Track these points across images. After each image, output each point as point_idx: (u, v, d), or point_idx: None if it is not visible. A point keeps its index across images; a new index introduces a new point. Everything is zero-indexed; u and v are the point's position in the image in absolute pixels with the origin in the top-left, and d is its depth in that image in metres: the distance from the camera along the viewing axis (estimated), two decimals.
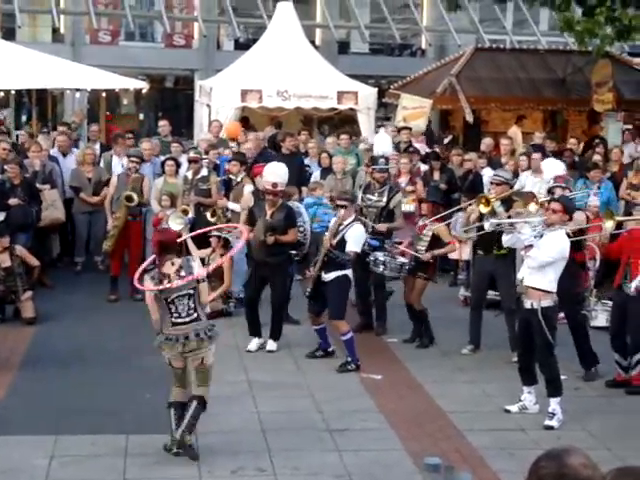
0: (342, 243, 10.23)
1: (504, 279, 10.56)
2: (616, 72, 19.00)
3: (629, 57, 20.98)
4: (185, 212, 12.75)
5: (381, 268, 10.94)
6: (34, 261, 11.98)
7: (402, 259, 10.98)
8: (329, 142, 15.90)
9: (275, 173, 10.76)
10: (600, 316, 11.50)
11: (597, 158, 14.69)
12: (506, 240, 9.25)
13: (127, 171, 13.25)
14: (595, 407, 9.26)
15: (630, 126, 19.08)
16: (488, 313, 11.37)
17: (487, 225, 9.65)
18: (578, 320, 10.16)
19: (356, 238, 10.29)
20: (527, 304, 8.75)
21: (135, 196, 12.80)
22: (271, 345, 10.81)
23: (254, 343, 10.86)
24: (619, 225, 10.06)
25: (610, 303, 10.84)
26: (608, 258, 10.34)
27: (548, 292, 8.65)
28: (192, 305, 7.76)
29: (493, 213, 10.34)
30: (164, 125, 16.16)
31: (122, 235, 12.91)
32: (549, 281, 8.66)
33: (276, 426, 8.49)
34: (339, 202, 10.49)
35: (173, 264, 7.67)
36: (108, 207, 13.30)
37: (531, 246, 8.69)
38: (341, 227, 10.30)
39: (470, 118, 18.28)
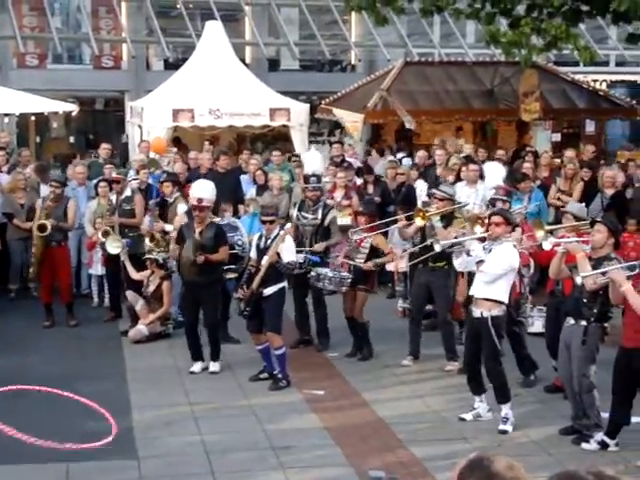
0: (277, 255, 10.22)
1: (440, 291, 10.69)
2: (542, 81, 19.33)
3: (555, 66, 21.36)
4: (106, 233, 12.64)
5: (325, 283, 10.98)
6: None
7: (344, 272, 11.04)
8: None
9: (201, 188, 10.71)
10: (536, 322, 11.65)
11: (527, 166, 14.89)
12: (458, 264, 9.36)
13: (49, 195, 13.03)
14: (534, 413, 9.38)
15: None
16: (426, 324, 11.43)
17: (437, 247, 9.73)
18: (514, 327, 10.28)
19: (289, 247, 10.31)
20: (476, 313, 8.88)
21: (48, 224, 12.59)
22: (214, 366, 10.73)
23: (197, 366, 10.76)
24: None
25: (545, 309, 10.99)
26: (542, 264, 10.48)
27: (499, 302, 8.80)
28: None
29: (432, 227, 10.47)
30: (106, 148, 16.06)
31: (48, 261, 12.72)
32: (500, 292, 8.82)
33: (220, 447, 8.44)
34: (264, 218, 10.50)
35: None
36: (35, 231, 13.08)
37: (482, 261, 8.82)
38: (268, 241, 10.30)
39: (411, 125, 18.38)
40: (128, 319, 12.38)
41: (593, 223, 8.94)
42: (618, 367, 8.27)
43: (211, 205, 10.74)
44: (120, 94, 25.86)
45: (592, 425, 8.49)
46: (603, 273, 8.22)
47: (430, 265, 10.56)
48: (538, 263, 10.85)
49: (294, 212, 11.89)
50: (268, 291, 10.19)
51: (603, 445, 8.35)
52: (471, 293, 9.07)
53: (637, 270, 8.14)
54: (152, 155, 16.42)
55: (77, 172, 14.45)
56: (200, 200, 10.53)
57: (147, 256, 12.16)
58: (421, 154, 16.17)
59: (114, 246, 12.56)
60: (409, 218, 11.27)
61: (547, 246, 8.82)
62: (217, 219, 11.20)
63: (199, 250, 10.43)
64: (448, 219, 10.59)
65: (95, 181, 13.94)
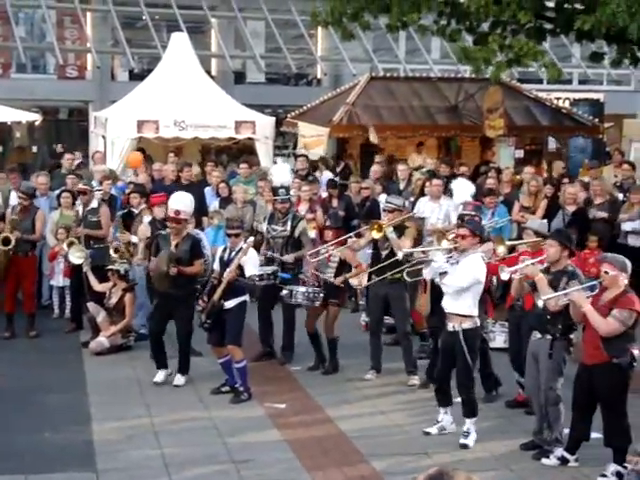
0: (239, 269, 10.21)
1: (397, 303, 10.73)
2: (506, 98, 19.50)
3: (518, 83, 21.56)
4: (71, 243, 12.56)
5: (299, 299, 10.96)
6: None
7: (316, 287, 11.05)
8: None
9: (179, 201, 10.68)
10: (498, 337, 11.68)
11: (491, 182, 14.98)
12: (426, 273, 9.39)
13: (18, 206, 12.92)
14: (496, 428, 9.40)
15: None
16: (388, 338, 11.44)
17: (400, 254, 9.75)
18: (482, 343, 10.31)
19: (252, 261, 10.28)
20: (449, 327, 8.93)
21: (12, 238, 12.46)
22: (178, 380, 10.62)
23: (161, 375, 10.67)
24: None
25: (507, 324, 11.04)
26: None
27: (468, 316, 8.83)
28: None
29: (386, 239, 10.52)
30: (70, 159, 15.98)
31: (14, 271, 12.59)
32: (468, 305, 8.84)
33: (179, 460, 8.37)
34: (229, 231, 10.46)
35: None
36: None
37: (446, 273, 8.84)
38: (232, 254, 10.27)
39: (375, 140, 18.46)
40: (89, 330, 12.28)
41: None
42: (578, 383, 8.32)
43: (188, 218, 10.73)
44: (84, 104, 25.76)
45: (553, 440, 8.53)
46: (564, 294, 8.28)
47: (387, 278, 10.58)
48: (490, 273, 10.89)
49: (264, 225, 11.89)
50: (229, 304, 10.15)
51: (563, 460, 8.39)
52: (443, 306, 9.09)
53: (597, 290, 8.21)
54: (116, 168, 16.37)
55: (39, 182, 14.32)
56: (177, 212, 10.50)
57: (109, 267, 12.11)
58: (376, 168, 16.22)
59: (76, 256, 12.49)
60: None
61: (505, 276, 8.80)
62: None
63: (173, 262, 10.39)
64: (400, 229, 10.64)
65: (57, 192, 13.85)
